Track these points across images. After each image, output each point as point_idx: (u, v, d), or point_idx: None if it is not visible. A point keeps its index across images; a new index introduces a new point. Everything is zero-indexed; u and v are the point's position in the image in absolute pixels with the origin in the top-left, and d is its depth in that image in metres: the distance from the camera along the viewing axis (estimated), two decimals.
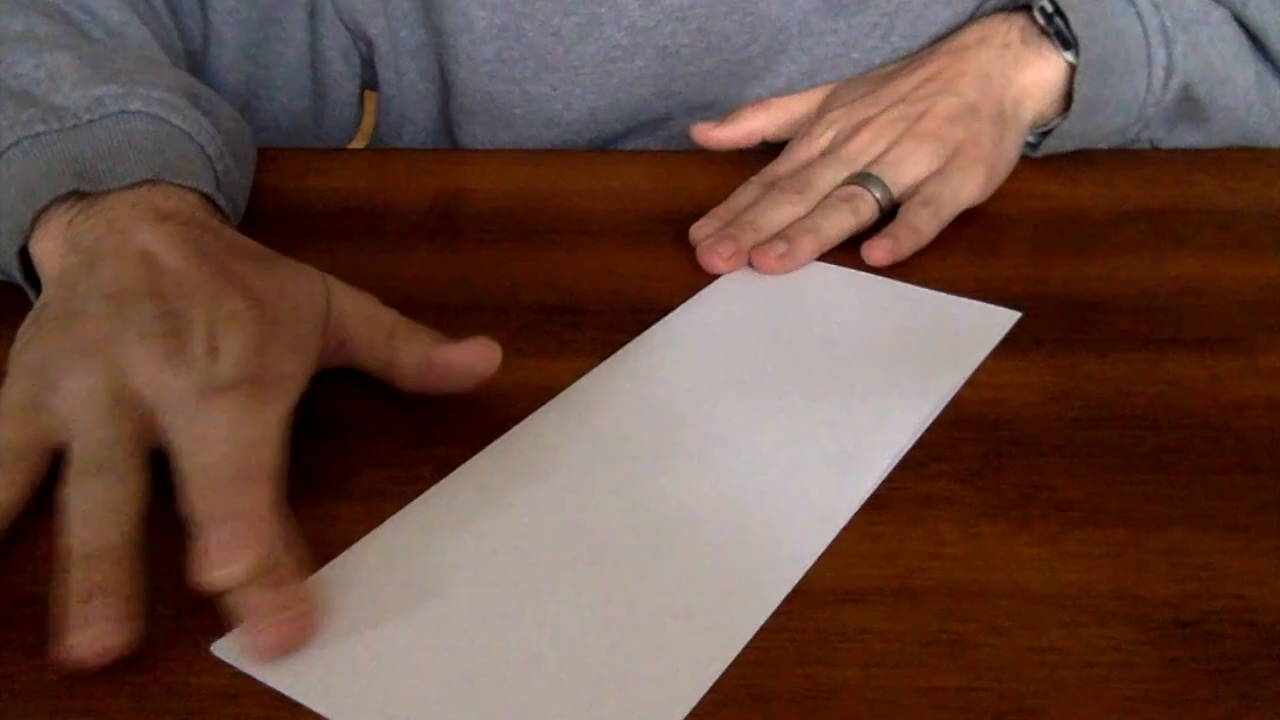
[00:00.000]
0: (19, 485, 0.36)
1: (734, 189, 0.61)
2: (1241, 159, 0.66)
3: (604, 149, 0.69)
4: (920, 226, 0.54)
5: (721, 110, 0.65)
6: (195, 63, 0.66)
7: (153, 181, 0.45)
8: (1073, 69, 0.60)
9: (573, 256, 0.54)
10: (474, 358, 0.42)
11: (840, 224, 0.54)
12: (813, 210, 0.54)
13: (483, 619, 0.34)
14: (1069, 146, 0.63)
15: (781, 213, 0.54)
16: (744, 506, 0.39)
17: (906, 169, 0.56)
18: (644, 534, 0.38)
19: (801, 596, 0.35)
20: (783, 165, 0.58)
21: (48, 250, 0.44)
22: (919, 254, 0.54)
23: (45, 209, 0.44)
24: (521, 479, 0.40)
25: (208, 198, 0.47)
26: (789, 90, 0.66)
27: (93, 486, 0.36)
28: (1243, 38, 0.65)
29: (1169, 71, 0.61)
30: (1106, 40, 0.60)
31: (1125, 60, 0.61)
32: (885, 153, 0.56)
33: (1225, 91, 0.64)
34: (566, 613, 0.34)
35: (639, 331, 0.48)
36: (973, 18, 0.64)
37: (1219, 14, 0.64)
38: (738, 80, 0.66)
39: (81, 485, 0.36)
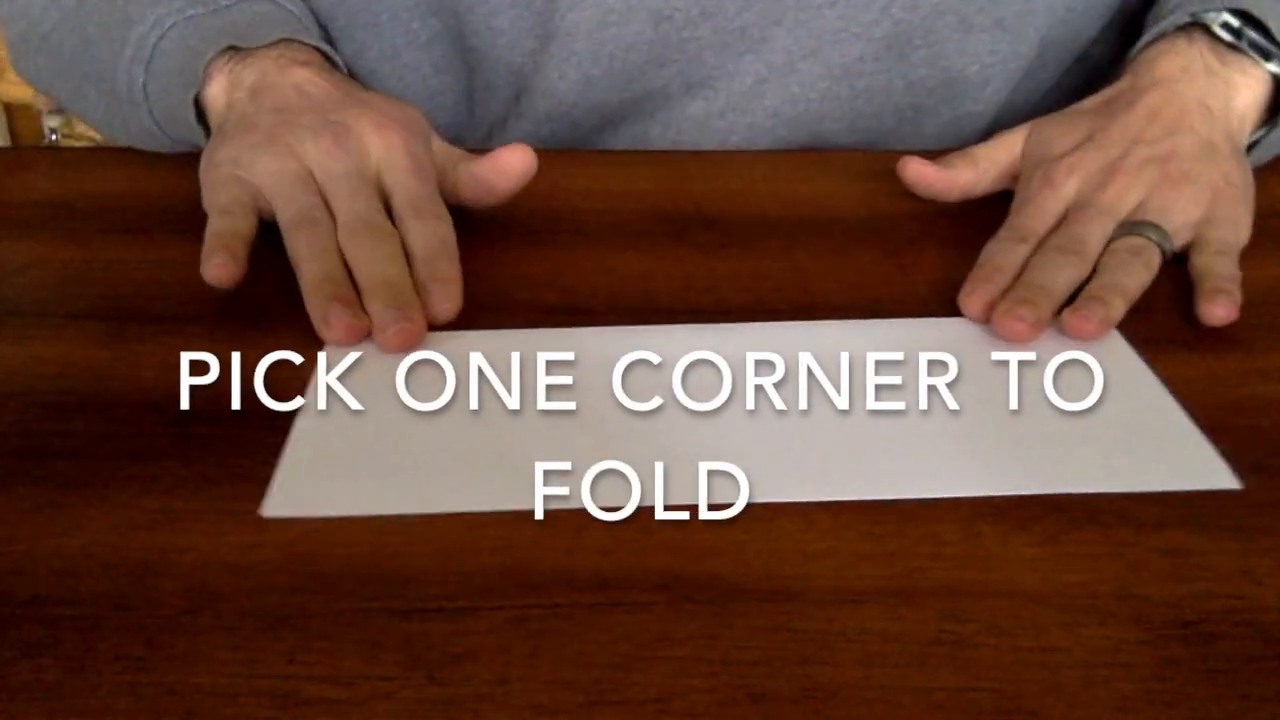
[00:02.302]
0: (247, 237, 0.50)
1: (734, 190, 0.61)
2: None
3: (604, 131, 0.69)
4: (1233, 275, 0.50)
5: (720, 87, 0.65)
6: None
7: (288, 40, 0.59)
8: (1276, 80, 0.58)
9: (573, 256, 0.54)
10: (507, 158, 0.55)
11: (1140, 279, 0.50)
12: (1105, 268, 0.50)
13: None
14: (1267, 158, 0.61)
15: (1064, 275, 0.49)
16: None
17: (1177, 215, 0.52)
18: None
19: (801, 596, 0.35)
20: (1035, 220, 0.53)
21: (215, 93, 0.57)
22: (918, 254, 0.55)
23: (210, 62, 0.57)
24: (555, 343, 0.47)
25: (327, 56, 0.60)
26: (788, 66, 0.65)
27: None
28: None
29: None
30: None
31: None
32: (1147, 200, 0.53)
33: None
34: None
35: None
36: (1148, 43, 0.60)
37: None
38: (733, 52, 0.65)
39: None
